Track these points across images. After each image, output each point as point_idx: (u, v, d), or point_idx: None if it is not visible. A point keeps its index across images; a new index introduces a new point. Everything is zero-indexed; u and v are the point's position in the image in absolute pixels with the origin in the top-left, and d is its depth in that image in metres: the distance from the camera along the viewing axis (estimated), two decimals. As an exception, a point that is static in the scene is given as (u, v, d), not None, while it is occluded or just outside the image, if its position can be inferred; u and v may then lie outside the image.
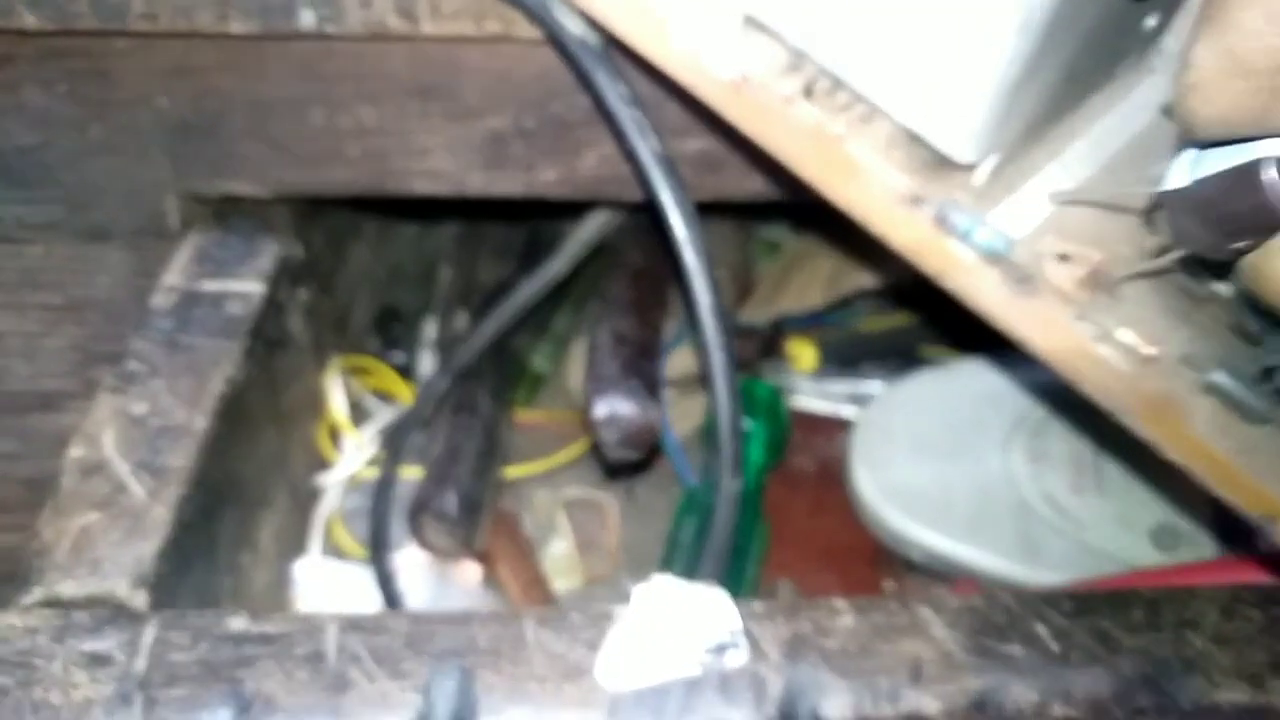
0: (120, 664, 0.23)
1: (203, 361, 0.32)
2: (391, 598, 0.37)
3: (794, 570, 0.41)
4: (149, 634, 0.24)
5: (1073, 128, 0.27)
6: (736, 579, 0.37)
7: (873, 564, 0.41)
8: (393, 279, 0.53)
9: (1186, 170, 0.20)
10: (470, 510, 0.37)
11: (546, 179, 0.36)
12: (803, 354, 0.47)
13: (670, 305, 0.43)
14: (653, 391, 0.35)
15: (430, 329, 0.52)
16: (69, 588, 0.26)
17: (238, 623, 0.24)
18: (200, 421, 0.30)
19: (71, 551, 0.26)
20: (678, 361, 0.45)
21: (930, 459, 0.39)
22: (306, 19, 0.31)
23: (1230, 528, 0.35)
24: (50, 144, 0.35)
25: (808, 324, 0.49)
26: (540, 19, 0.30)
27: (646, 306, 0.40)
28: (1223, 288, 0.23)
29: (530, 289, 0.42)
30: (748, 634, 0.24)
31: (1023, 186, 0.26)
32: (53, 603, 0.25)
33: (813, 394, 0.47)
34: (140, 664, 0.24)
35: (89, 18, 0.31)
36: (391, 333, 0.50)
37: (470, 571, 0.40)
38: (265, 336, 0.35)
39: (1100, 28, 0.23)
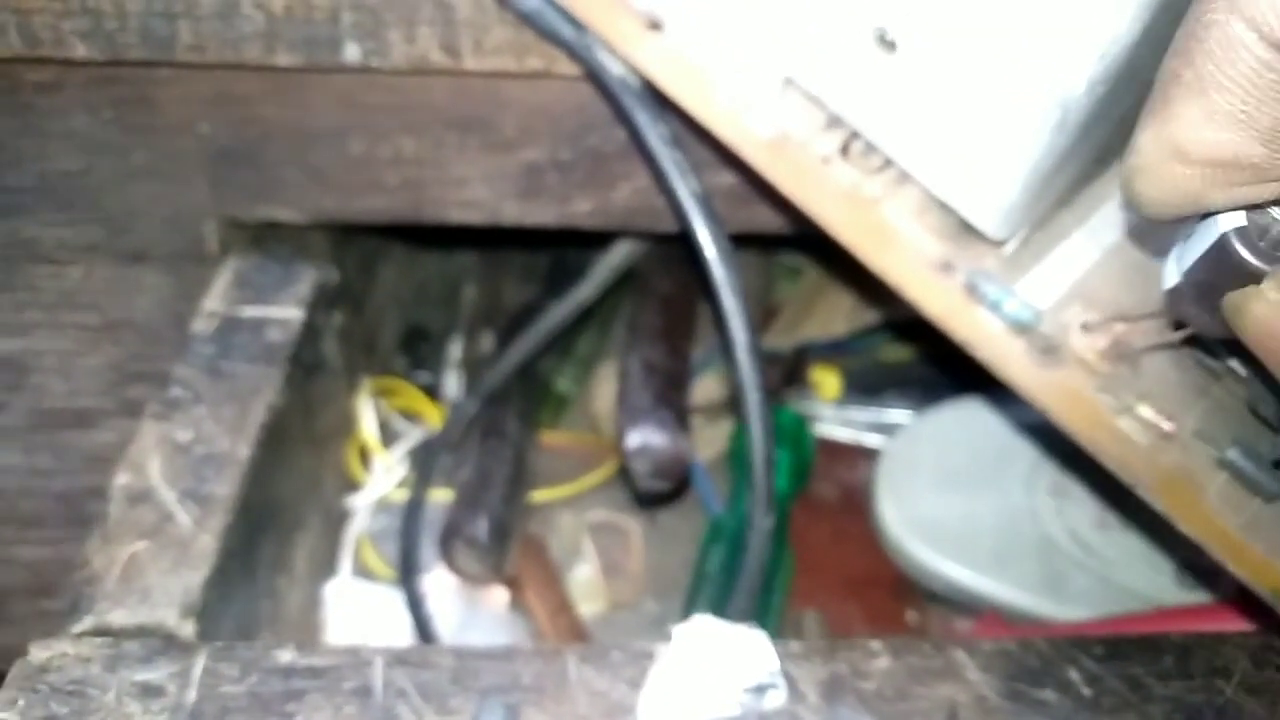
0: (172, 695, 0.24)
1: (244, 389, 0.32)
2: (421, 621, 0.37)
3: (817, 599, 0.41)
4: (199, 665, 0.25)
5: (1101, 192, 0.27)
6: (763, 609, 0.38)
7: (895, 594, 0.41)
8: (418, 299, 0.54)
9: (1175, 266, 0.21)
10: (500, 536, 0.38)
11: (580, 210, 0.37)
12: (826, 382, 0.48)
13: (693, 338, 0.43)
14: (683, 422, 0.36)
15: (455, 349, 0.52)
16: (119, 616, 0.26)
17: (286, 655, 0.25)
18: (244, 449, 0.30)
19: (121, 580, 0.27)
20: (702, 388, 0.45)
21: (955, 492, 0.39)
22: (352, 53, 0.32)
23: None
24: (93, 168, 0.36)
25: (831, 352, 0.49)
26: (583, 58, 0.30)
27: (675, 335, 0.41)
28: (1237, 364, 0.24)
29: (558, 313, 0.43)
30: (786, 675, 0.24)
31: (1050, 254, 0.26)
32: (103, 631, 0.26)
33: (836, 422, 0.47)
34: (191, 695, 0.24)
35: (138, 49, 0.32)
36: (418, 353, 0.51)
37: (498, 596, 0.40)
38: (303, 362, 0.35)
39: (1132, 111, 0.24)
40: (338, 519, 0.41)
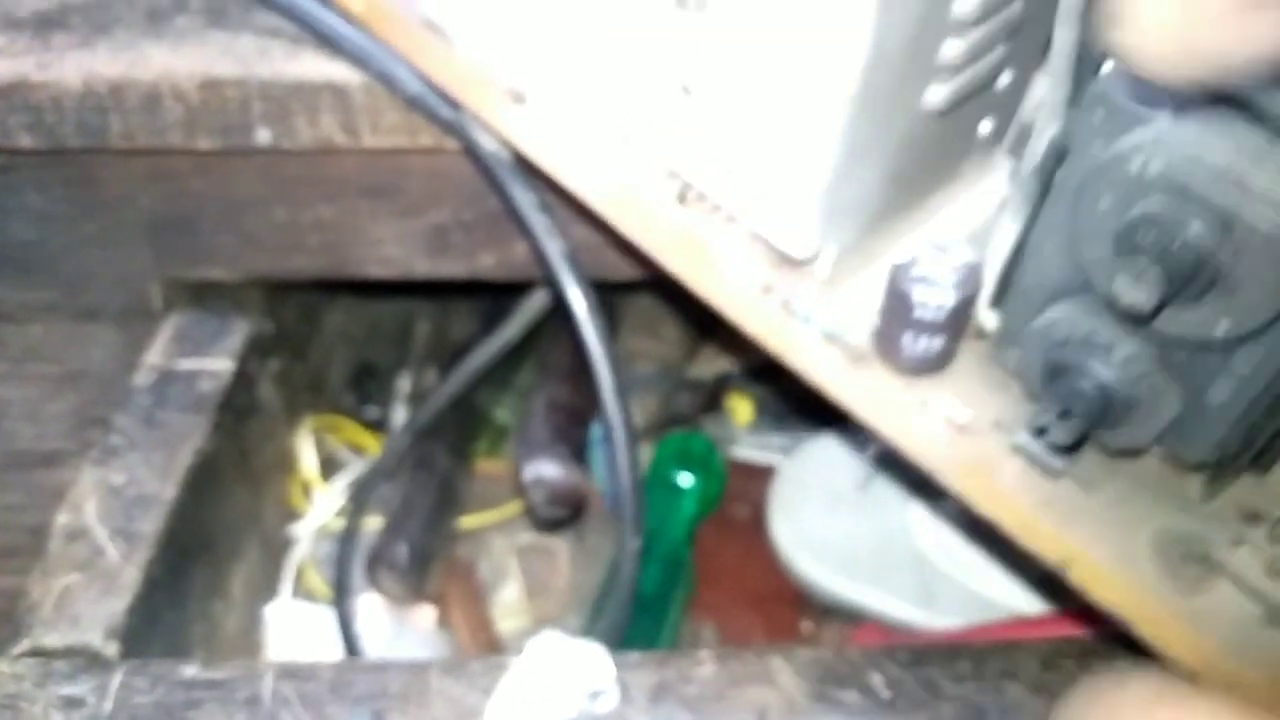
0: (91, 706, 0.28)
1: (175, 436, 0.36)
2: (350, 640, 0.41)
3: (721, 613, 0.45)
4: (116, 680, 0.29)
5: (913, 220, 0.30)
6: (658, 625, 0.41)
7: (794, 607, 0.45)
8: (370, 337, 0.58)
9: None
10: (420, 560, 0.42)
11: (485, 263, 0.41)
12: (740, 408, 0.51)
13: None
14: (580, 455, 0.39)
15: (405, 384, 0.56)
16: (52, 639, 0.30)
17: (190, 670, 0.29)
18: (170, 490, 0.34)
19: (55, 608, 0.31)
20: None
21: (839, 511, 0.43)
22: (263, 136, 0.36)
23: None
24: (48, 238, 0.40)
25: (747, 380, 0.53)
26: (460, 135, 0.34)
27: (583, 373, 0.44)
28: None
29: (484, 354, 0.46)
30: (620, 681, 0.28)
31: (862, 273, 0.29)
32: (38, 653, 0.30)
33: (750, 445, 0.51)
34: (107, 706, 0.28)
35: (75, 138, 0.36)
36: (365, 389, 0.55)
37: (425, 615, 0.44)
38: (235, 407, 0.39)
39: (922, 137, 0.27)
40: (280, 546, 0.45)
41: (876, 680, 0.28)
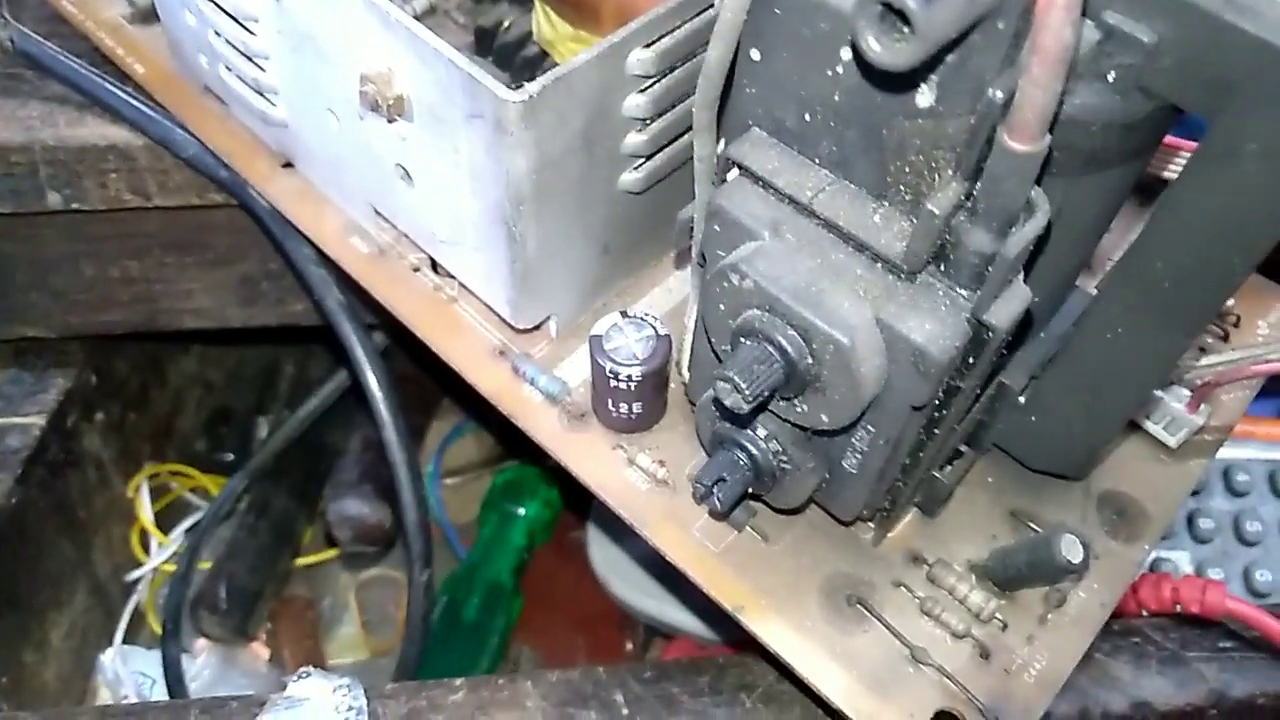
0: None
1: (-25, 492, 0.37)
2: (172, 682, 0.42)
3: (548, 635, 0.46)
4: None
5: (634, 291, 0.32)
6: (479, 650, 0.43)
7: (619, 628, 0.46)
8: (231, 382, 0.59)
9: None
10: (242, 601, 0.43)
11: (295, 310, 0.42)
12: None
13: (438, 408, 0.48)
14: (386, 494, 0.41)
15: (263, 428, 0.57)
16: None
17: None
18: (-36, 547, 0.35)
19: None
20: (457, 453, 0.51)
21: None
22: (54, 200, 0.37)
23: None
24: None
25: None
26: (235, 195, 0.36)
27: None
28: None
29: (319, 398, 0.48)
30: (372, 712, 0.29)
31: (584, 341, 0.31)
32: None
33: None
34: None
35: None
36: (220, 434, 0.55)
37: (259, 652, 0.45)
38: (47, 462, 0.40)
39: (627, 214, 0.29)
40: (117, 594, 0.46)
41: (618, 698, 0.30)
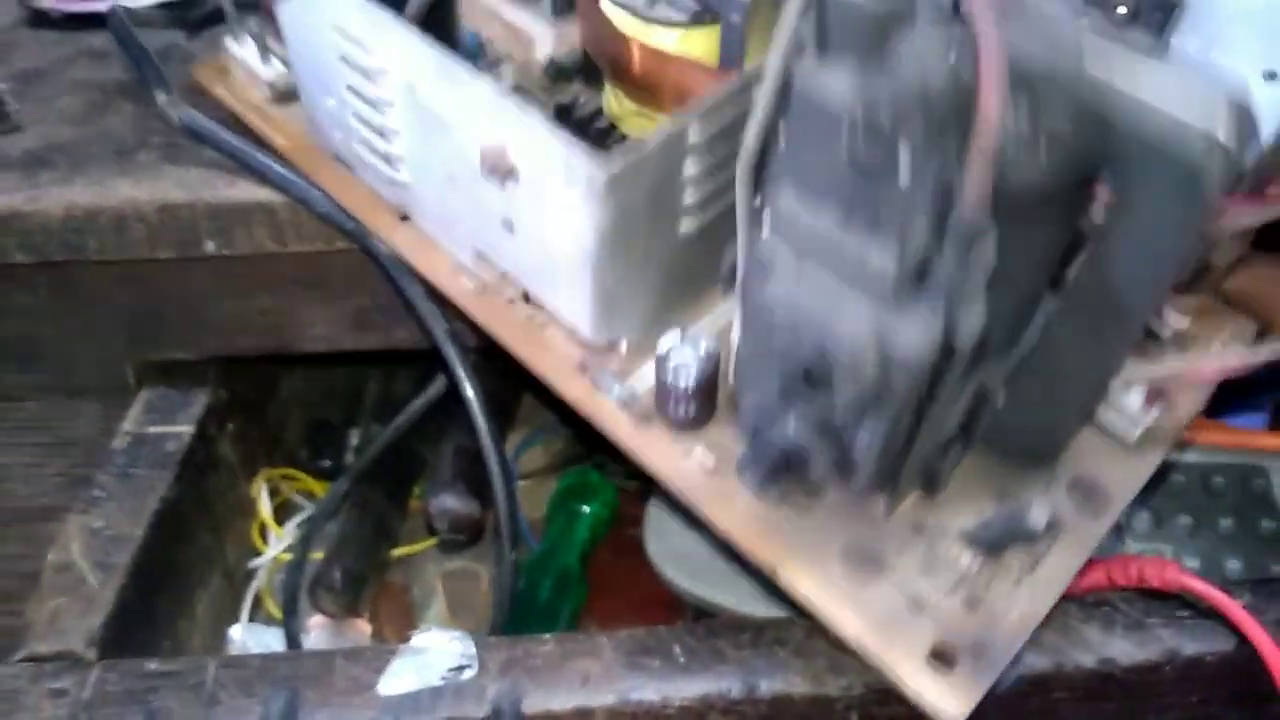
0: (73, 694, 0.36)
1: (144, 488, 0.45)
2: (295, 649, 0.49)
3: (611, 619, 0.53)
4: (93, 675, 0.37)
5: (690, 315, 0.39)
6: (551, 627, 0.50)
7: (672, 611, 0.53)
8: (325, 398, 0.67)
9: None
10: (353, 582, 0.50)
11: (400, 336, 0.50)
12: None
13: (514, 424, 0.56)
14: (478, 490, 0.48)
15: (355, 437, 0.65)
16: (43, 647, 0.39)
17: (151, 665, 0.37)
18: (138, 531, 0.43)
19: (47, 624, 0.39)
20: (528, 459, 0.58)
21: (696, 529, 0.51)
22: (210, 247, 0.45)
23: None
24: (39, 331, 0.49)
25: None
26: (359, 242, 0.43)
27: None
28: None
29: (410, 411, 0.55)
30: (480, 659, 0.37)
31: (652, 356, 0.38)
32: (32, 658, 0.38)
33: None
34: (86, 694, 0.36)
35: (59, 253, 0.45)
36: (318, 443, 0.63)
37: (362, 629, 0.52)
38: (195, 464, 0.48)
39: (685, 255, 0.36)
40: (242, 578, 0.54)
41: (676, 650, 0.37)
